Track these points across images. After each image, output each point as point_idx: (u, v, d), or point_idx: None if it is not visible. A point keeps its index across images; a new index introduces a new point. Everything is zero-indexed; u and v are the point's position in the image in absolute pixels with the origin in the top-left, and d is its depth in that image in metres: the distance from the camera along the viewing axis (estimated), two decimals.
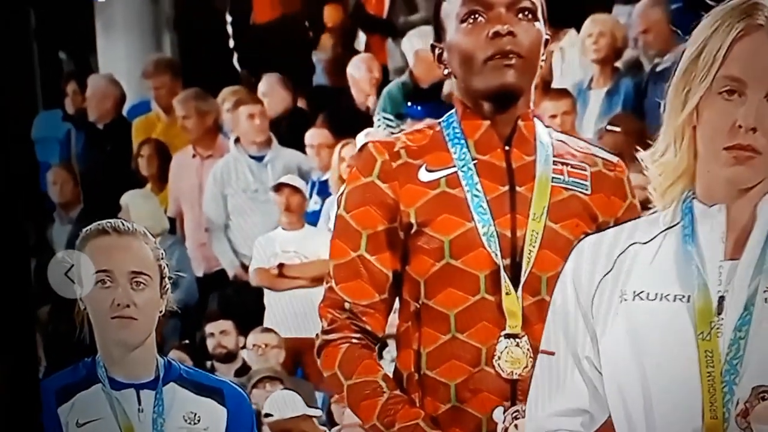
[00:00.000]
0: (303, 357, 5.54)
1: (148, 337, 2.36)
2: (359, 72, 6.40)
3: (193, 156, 6.45)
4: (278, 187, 5.92)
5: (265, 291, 5.86)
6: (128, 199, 6.08)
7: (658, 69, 5.53)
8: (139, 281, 2.33)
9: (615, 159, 2.21)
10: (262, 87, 6.58)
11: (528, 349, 2.11)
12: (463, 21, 2.15)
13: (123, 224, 2.38)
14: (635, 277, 1.69)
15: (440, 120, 2.22)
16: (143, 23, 7.36)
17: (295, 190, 5.89)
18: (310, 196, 6.07)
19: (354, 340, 2.15)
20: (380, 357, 2.18)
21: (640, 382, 1.68)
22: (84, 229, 2.39)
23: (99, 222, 2.39)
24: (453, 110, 2.22)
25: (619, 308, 1.69)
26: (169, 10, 7.45)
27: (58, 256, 2.39)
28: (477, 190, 2.14)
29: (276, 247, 5.84)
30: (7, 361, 2.32)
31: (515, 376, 2.12)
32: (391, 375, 2.16)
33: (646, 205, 1.84)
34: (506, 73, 2.12)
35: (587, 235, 2.14)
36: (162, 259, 2.39)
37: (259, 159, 6.25)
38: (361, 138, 5.77)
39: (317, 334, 2.19)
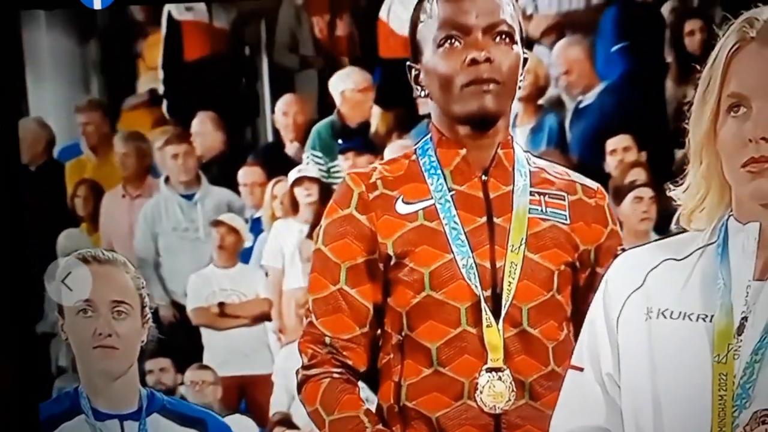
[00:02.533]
0: (246, 393, 5.44)
1: (130, 366, 2.29)
2: (284, 116, 6.33)
3: (123, 196, 6.32)
4: (216, 224, 5.81)
5: (203, 330, 5.74)
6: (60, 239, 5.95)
7: (581, 106, 5.52)
8: (121, 310, 2.26)
9: (595, 186, 2.13)
10: (194, 125, 6.47)
11: (510, 383, 2.03)
12: (440, 45, 2.06)
13: (103, 253, 2.31)
14: (664, 294, 1.64)
15: (415, 147, 2.14)
16: (71, 67, 7.24)
17: (232, 229, 5.78)
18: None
19: (335, 375, 2.06)
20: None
21: (653, 401, 1.62)
22: (65, 259, 2.31)
23: (79, 251, 2.32)
24: (428, 136, 2.14)
25: (642, 326, 1.63)
26: (97, 53, 7.34)
27: (53, 264, 2.31)
28: (455, 222, 2.06)
29: (213, 286, 5.73)
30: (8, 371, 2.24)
31: (498, 411, 2.03)
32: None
33: None
34: (484, 98, 2.05)
35: (568, 264, 2.07)
36: (143, 288, 2.31)
37: (189, 197, 6.14)
38: (293, 174, 5.69)
39: (297, 370, 2.10)
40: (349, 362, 2.06)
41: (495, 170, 2.08)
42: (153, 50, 7.19)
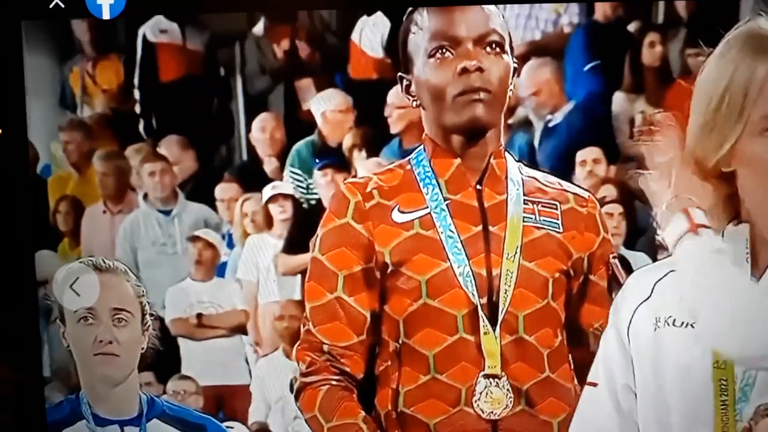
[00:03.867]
0: (224, 403, 5.37)
1: (130, 373, 2.24)
2: (261, 132, 6.27)
3: (104, 212, 6.26)
4: (193, 239, 5.75)
5: (181, 342, 5.66)
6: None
7: (550, 125, 5.48)
8: (121, 318, 2.22)
9: (586, 194, 2.09)
10: (162, 149, 6.40)
11: (508, 389, 1.98)
12: (431, 56, 2.01)
13: (104, 261, 2.25)
14: (669, 303, 1.58)
15: (409, 158, 2.09)
16: (52, 86, 7.16)
17: (209, 244, 5.72)
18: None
19: (333, 382, 2.00)
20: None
21: (663, 408, 1.57)
22: (65, 267, 2.25)
23: (80, 259, 2.26)
24: (421, 147, 2.08)
25: (651, 336, 1.58)
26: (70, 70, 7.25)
27: (62, 269, 2.26)
28: (451, 230, 2.00)
29: (191, 298, 5.66)
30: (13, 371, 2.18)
31: (495, 417, 1.98)
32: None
33: None
34: (475, 108, 1.99)
35: (562, 271, 2.02)
36: (143, 296, 2.25)
37: (167, 213, 6.07)
38: (267, 192, 5.63)
39: (295, 377, 2.04)
40: (347, 369, 2.01)
41: (488, 180, 2.04)
42: (105, 72, 7.09)
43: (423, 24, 2.03)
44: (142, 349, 2.26)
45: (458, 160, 2.03)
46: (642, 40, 4.95)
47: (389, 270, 1.99)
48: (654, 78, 4.86)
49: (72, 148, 6.44)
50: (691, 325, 1.56)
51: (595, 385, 1.65)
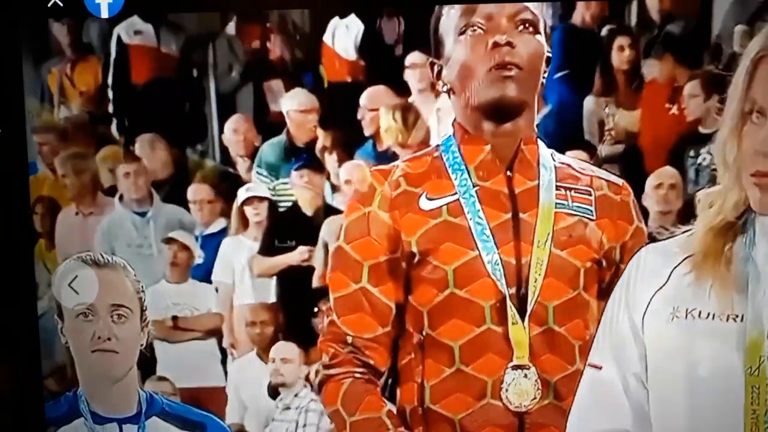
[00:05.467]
0: (201, 404, 5.26)
1: (129, 370, 2.12)
2: (233, 134, 6.16)
3: (76, 213, 6.13)
4: (168, 241, 5.64)
5: (156, 343, 5.54)
6: None
7: None
8: (120, 314, 2.11)
9: (620, 181, 1.97)
10: (137, 149, 6.26)
11: (536, 381, 1.88)
12: (462, 33, 1.91)
13: (102, 256, 2.14)
14: (689, 292, 1.47)
15: (438, 144, 1.98)
16: (31, 88, 7.02)
17: (184, 246, 5.60)
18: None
19: (357, 375, 1.89)
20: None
21: (686, 409, 1.46)
22: (63, 262, 2.14)
23: (78, 254, 2.17)
24: (450, 134, 1.98)
25: (670, 326, 1.47)
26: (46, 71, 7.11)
27: (61, 264, 2.16)
28: (480, 217, 1.90)
29: (166, 300, 5.55)
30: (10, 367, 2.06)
31: (523, 409, 1.88)
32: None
33: None
34: (506, 85, 1.89)
35: (594, 261, 1.93)
36: (142, 292, 2.15)
37: (142, 215, 5.95)
38: (242, 194, 5.53)
39: (317, 370, 1.94)
40: (371, 362, 1.90)
41: (519, 165, 1.93)
42: (84, 74, 6.98)
43: (454, 5, 1.95)
44: (141, 345, 2.15)
45: (488, 147, 1.93)
46: (612, 44, 4.89)
47: (415, 260, 1.89)
48: (623, 82, 4.79)
49: (47, 150, 6.30)
50: (719, 317, 1.46)
51: (599, 368, 1.55)
